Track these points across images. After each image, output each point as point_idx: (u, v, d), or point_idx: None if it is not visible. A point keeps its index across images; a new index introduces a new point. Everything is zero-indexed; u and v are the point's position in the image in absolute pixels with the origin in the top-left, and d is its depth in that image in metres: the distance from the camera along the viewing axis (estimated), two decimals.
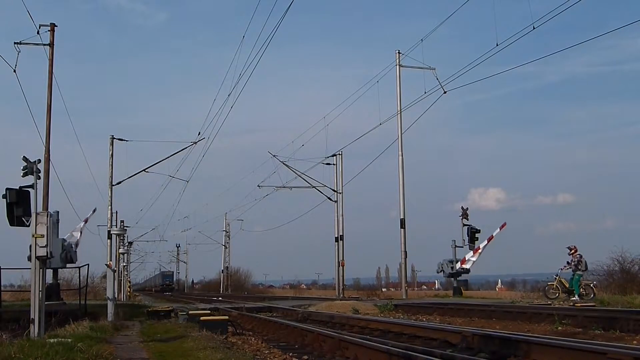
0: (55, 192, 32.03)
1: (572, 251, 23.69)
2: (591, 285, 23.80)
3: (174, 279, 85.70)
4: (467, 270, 32.05)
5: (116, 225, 37.46)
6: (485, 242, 31.90)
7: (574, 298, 22.61)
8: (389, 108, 48.22)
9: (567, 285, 23.58)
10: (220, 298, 44.06)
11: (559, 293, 23.65)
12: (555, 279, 24.23)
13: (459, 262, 32.04)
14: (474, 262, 31.80)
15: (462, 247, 31.95)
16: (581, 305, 18.10)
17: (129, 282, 54.77)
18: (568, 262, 23.44)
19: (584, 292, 23.26)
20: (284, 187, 40.61)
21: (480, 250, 31.69)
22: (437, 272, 33.19)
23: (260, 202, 46.24)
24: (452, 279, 32.39)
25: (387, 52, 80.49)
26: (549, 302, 21.51)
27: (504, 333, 10.47)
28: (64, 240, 11.32)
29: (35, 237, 10.09)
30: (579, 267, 23.38)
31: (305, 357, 9.74)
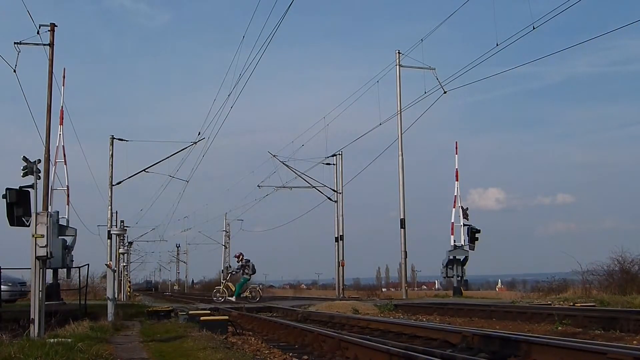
0: (55, 192, 31.92)
1: (239, 258, 27.15)
2: (257, 288, 27.99)
3: (152, 284, 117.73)
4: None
5: (116, 225, 37.39)
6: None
7: (230, 298, 26.38)
8: (389, 108, 48.20)
9: (234, 289, 27.08)
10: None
11: (225, 296, 26.85)
12: (223, 283, 27.74)
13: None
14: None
15: (461, 246, 31.95)
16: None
17: (129, 282, 54.73)
18: (231, 266, 27.76)
19: (249, 295, 26.80)
20: (284, 187, 40.48)
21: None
22: (443, 267, 32.83)
23: (260, 202, 46.02)
24: (454, 275, 32.17)
25: (387, 52, 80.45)
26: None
27: (504, 333, 10.47)
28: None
29: (35, 237, 10.08)
30: (246, 271, 26.71)
31: (305, 357, 9.73)
